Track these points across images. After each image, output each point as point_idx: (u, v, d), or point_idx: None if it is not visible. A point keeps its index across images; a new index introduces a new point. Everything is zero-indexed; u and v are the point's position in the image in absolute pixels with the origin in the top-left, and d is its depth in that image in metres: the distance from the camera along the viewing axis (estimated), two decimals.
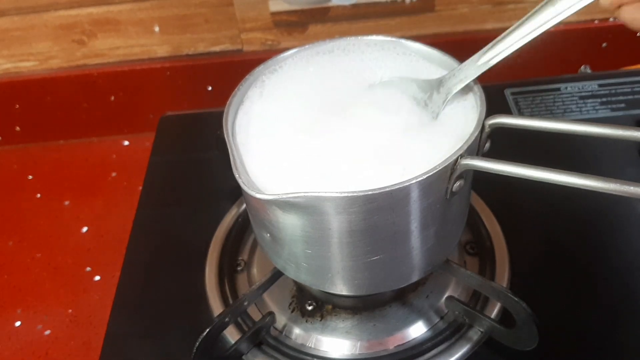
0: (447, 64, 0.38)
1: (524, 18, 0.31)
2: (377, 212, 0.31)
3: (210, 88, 0.76)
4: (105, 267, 0.61)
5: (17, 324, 0.57)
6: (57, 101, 0.76)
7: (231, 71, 0.73)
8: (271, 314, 0.42)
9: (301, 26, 0.72)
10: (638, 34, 0.73)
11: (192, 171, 0.57)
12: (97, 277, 0.60)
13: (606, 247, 0.46)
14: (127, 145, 0.78)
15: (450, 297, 0.42)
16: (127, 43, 0.73)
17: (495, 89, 0.61)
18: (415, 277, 0.37)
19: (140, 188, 0.56)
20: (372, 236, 0.33)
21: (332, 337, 0.41)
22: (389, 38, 0.40)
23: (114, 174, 0.73)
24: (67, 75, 0.74)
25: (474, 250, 0.47)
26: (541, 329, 0.36)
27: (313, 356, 0.41)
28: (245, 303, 0.41)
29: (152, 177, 0.57)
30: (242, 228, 0.50)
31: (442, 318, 0.42)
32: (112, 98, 0.76)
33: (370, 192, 0.29)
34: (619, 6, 0.31)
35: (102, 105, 0.76)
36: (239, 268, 0.47)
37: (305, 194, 0.30)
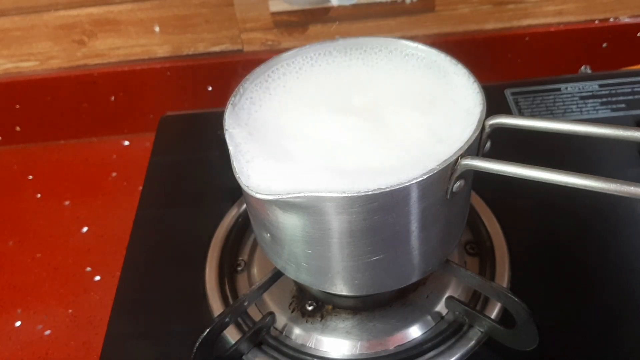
0: (445, 63, 0.38)
1: None
2: (378, 212, 0.31)
3: (210, 88, 0.76)
4: (105, 267, 0.61)
5: (17, 324, 0.57)
6: (57, 101, 0.76)
7: (231, 71, 0.73)
8: (271, 314, 0.42)
9: (301, 26, 0.72)
10: (638, 34, 0.73)
11: (192, 171, 0.57)
12: (97, 277, 0.60)
13: (606, 247, 0.46)
14: (127, 145, 0.78)
15: (450, 297, 0.42)
16: (127, 43, 0.73)
17: (495, 89, 0.61)
18: (415, 277, 0.37)
19: (141, 188, 0.56)
20: (373, 236, 0.33)
21: (332, 337, 0.41)
22: (388, 38, 0.40)
23: (114, 174, 0.73)
24: (67, 75, 0.74)
25: (474, 250, 0.47)
26: (541, 329, 0.36)
27: (313, 356, 0.41)
28: (246, 303, 0.41)
29: (152, 177, 0.57)
30: (242, 228, 0.50)
31: (442, 318, 0.42)
32: (113, 98, 0.76)
33: (370, 192, 0.29)
34: None
35: (102, 105, 0.76)
36: (239, 268, 0.47)
37: (306, 194, 0.30)
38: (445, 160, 0.30)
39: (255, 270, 0.47)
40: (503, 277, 0.44)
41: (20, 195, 0.71)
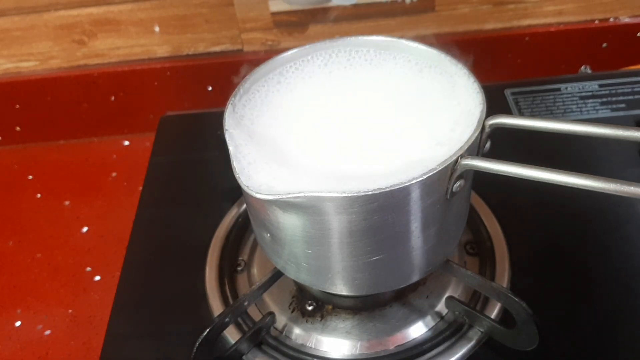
0: (445, 63, 0.38)
1: None
2: (378, 212, 0.31)
3: (210, 88, 0.76)
4: (105, 267, 0.61)
5: (17, 324, 0.57)
6: (57, 101, 0.76)
7: (231, 71, 0.73)
8: (271, 314, 0.42)
9: (301, 26, 0.72)
10: (638, 34, 0.73)
11: (192, 171, 0.57)
12: (97, 277, 0.60)
13: (606, 247, 0.46)
14: (127, 145, 0.78)
15: (450, 297, 0.42)
16: (127, 43, 0.73)
17: (495, 89, 0.61)
18: (415, 277, 0.37)
19: (141, 188, 0.56)
20: (373, 236, 0.33)
21: (332, 337, 0.41)
22: (388, 38, 0.40)
23: (114, 174, 0.73)
24: (67, 75, 0.74)
25: (474, 250, 0.47)
26: (541, 329, 0.36)
27: (313, 356, 0.41)
28: (246, 303, 0.41)
29: (152, 177, 0.57)
30: (242, 228, 0.50)
31: (442, 318, 0.42)
32: (113, 98, 0.76)
33: (370, 192, 0.29)
34: None
35: (102, 105, 0.76)
36: (239, 268, 0.47)
37: (306, 194, 0.30)
38: (445, 160, 0.30)
39: (255, 270, 0.47)
40: (503, 277, 0.44)
41: (20, 195, 0.71)
